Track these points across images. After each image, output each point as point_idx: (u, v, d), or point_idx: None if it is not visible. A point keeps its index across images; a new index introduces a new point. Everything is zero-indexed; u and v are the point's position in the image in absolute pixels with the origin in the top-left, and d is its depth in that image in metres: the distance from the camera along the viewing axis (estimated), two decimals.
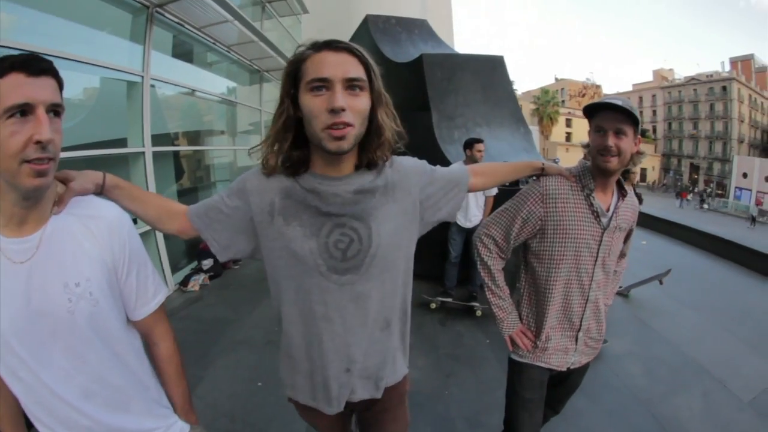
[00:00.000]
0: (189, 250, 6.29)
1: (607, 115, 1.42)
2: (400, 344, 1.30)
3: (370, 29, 6.30)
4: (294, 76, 1.02)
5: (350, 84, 0.97)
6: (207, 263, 5.81)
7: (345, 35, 7.02)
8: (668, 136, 49.47)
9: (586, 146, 1.57)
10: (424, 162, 1.27)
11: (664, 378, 3.27)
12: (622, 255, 1.78)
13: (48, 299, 0.91)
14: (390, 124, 1.09)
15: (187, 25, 5.93)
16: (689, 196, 37.56)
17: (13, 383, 0.95)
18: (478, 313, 4.38)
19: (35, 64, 0.81)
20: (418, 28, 6.84)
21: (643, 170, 49.17)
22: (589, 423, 2.74)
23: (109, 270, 1.00)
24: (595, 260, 1.56)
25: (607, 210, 1.55)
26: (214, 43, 6.94)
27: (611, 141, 1.40)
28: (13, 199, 0.87)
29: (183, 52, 6.52)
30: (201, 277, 5.57)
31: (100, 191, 1.10)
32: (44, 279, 0.91)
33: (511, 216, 1.62)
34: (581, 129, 43.06)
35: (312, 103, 0.97)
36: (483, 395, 3.06)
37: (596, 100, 1.53)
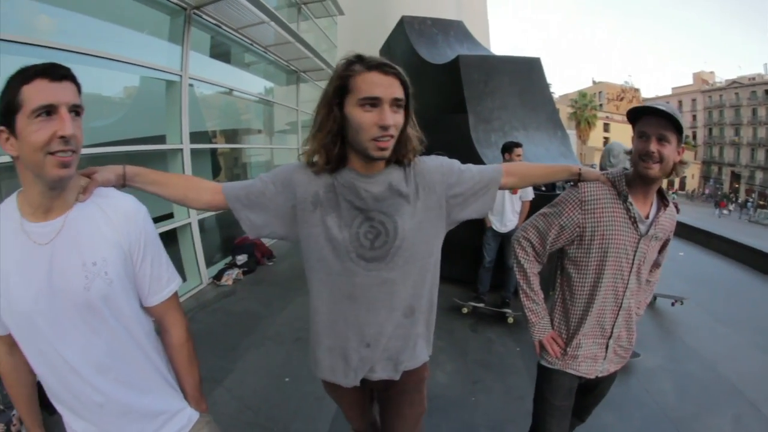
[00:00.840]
0: (224, 245, 6.45)
1: (650, 120, 1.42)
2: (425, 331, 1.41)
3: (406, 30, 6.28)
4: (342, 87, 1.14)
5: (395, 103, 1.12)
6: (241, 258, 5.93)
7: (380, 36, 7.05)
8: (708, 143, 47.48)
9: (629, 153, 1.56)
10: (453, 161, 1.37)
11: (696, 396, 3.13)
12: (657, 265, 1.76)
13: (67, 277, 0.99)
14: (415, 133, 1.24)
15: (224, 27, 6.08)
16: (731, 206, 36.01)
17: (35, 356, 1.04)
18: (510, 320, 4.30)
19: (57, 71, 0.92)
20: (453, 29, 6.77)
21: (683, 178, 47.48)
22: None
23: (125, 254, 1.09)
24: (631, 267, 1.55)
25: (646, 217, 1.53)
26: (251, 44, 7.09)
27: (654, 147, 1.39)
28: (39, 190, 0.97)
29: (220, 52, 6.70)
30: (235, 272, 5.68)
31: (123, 182, 1.22)
32: (64, 258, 1.00)
33: (549, 222, 1.62)
34: (619, 134, 41.86)
35: (362, 118, 1.11)
36: (509, 404, 3.00)
37: (639, 104, 1.49)
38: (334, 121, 1.16)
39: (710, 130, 47.16)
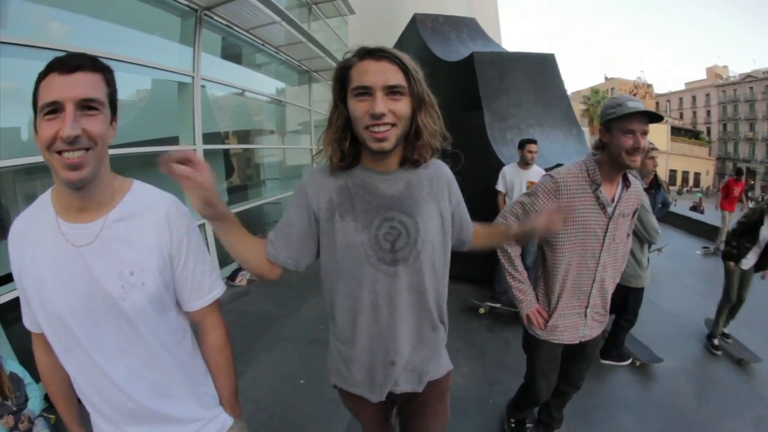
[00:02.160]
0: None
1: (635, 118, 1.56)
2: (444, 338, 1.39)
3: (419, 28, 6.22)
4: (342, 81, 1.11)
5: (390, 90, 1.05)
6: None
7: (392, 35, 6.98)
8: (723, 139, 46.64)
9: (598, 145, 1.70)
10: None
11: (716, 400, 3.09)
12: (627, 234, 1.88)
13: (102, 284, 0.95)
14: (431, 126, 1.15)
15: (235, 27, 6.12)
16: (751, 203, 35.51)
17: (68, 359, 1.02)
18: None
19: (69, 62, 0.86)
20: (466, 26, 6.72)
21: (697, 175, 46.69)
22: None
23: (165, 260, 1.03)
24: (602, 246, 1.74)
25: (612, 200, 1.71)
26: (262, 45, 7.12)
27: (642, 143, 1.56)
28: (65, 189, 0.94)
29: (232, 53, 6.74)
30: (249, 273, 5.67)
31: (212, 212, 1.05)
32: (101, 264, 0.96)
33: (526, 209, 1.78)
34: None
35: (356, 108, 1.06)
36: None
37: (628, 105, 1.58)
38: (340, 116, 1.13)
39: (724, 125, 46.26)
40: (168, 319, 1.09)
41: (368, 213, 1.16)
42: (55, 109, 0.85)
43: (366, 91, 1.05)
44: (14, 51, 3.03)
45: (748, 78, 43.17)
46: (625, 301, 3.20)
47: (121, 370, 1.01)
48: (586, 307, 1.86)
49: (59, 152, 0.86)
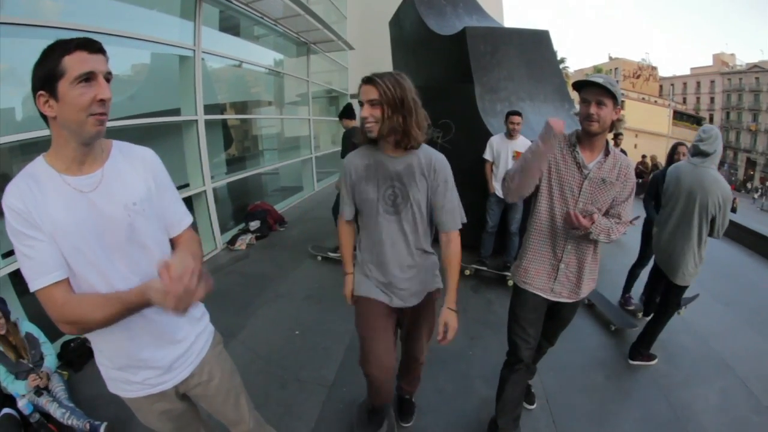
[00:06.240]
0: (237, 213, 6.67)
1: (590, 89, 1.80)
2: (432, 264, 2.01)
3: (415, 2, 6.26)
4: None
5: (370, 102, 1.68)
6: (254, 224, 6.14)
7: (389, 8, 6.97)
8: (725, 127, 45.95)
9: (577, 114, 1.92)
10: (450, 173, 1.85)
11: (686, 367, 3.18)
12: (617, 215, 1.95)
13: (112, 216, 1.17)
14: (415, 127, 1.72)
15: (234, 0, 6.17)
16: (756, 195, 35.41)
17: (87, 289, 1.16)
18: (510, 282, 4.38)
19: (93, 45, 1.08)
20: (462, 1, 6.75)
21: None
22: (604, 397, 2.80)
23: (151, 191, 1.28)
24: (576, 202, 1.93)
25: (590, 163, 1.91)
26: (261, 17, 7.14)
27: (593, 110, 1.79)
28: (74, 146, 1.12)
29: (231, 26, 6.81)
30: (248, 237, 5.90)
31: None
32: (108, 202, 1.17)
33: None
34: (634, 111, 40.33)
35: (361, 112, 1.72)
36: (504, 359, 3.14)
37: (588, 78, 1.81)
38: None
39: (727, 113, 45.45)
40: (163, 238, 1.33)
41: (383, 181, 1.81)
42: (89, 78, 1.04)
43: (362, 103, 1.70)
44: (8, 31, 3.05)
45: (755, 68, 42.24)
46: (666, 296, 3.05)
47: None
48: (560, 261, 2.00)
49: (93, 114, 1.06)
